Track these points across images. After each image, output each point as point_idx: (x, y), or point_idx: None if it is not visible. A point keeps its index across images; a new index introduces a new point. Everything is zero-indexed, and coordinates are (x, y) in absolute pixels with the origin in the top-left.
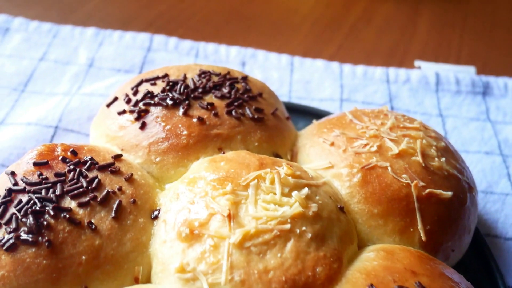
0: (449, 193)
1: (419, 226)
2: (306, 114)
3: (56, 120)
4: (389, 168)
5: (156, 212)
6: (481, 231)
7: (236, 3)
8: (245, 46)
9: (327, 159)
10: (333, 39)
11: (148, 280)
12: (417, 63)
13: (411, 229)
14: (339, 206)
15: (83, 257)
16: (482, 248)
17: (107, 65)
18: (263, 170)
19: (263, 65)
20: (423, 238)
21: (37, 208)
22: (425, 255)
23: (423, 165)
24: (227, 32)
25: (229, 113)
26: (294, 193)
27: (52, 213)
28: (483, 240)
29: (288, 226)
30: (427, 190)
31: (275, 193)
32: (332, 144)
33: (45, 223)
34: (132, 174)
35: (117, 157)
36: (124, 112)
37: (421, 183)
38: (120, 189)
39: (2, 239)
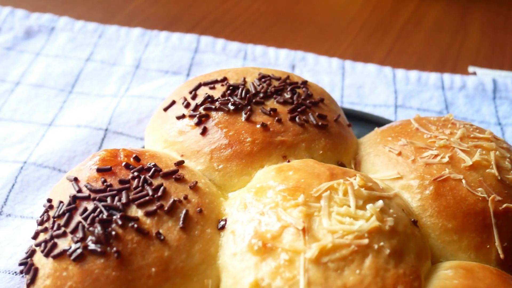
0: None
1: (497, 243)
2: (360, 120)
3: (105, 123)
4: (463, 181)
5: (222, 222)
6: None
7: (281, 4)
8: (292, 48)
9: (395, 169)
10: (382, 43)
11: None
12: (471, 69)
13: (488, 246)
14: (412, 220)
15: (153, 269)
16: None
17: (154, 66)
18: (335, 181)
19: (313, 68)
20: (501, 256)
21: (104, 216)
22: (505, 274)
23: (499, 178)
24: (273, 34)
25: (292, 119)
26: (369, 206)
27: (120, 222)
28: None
29: (366, 241)
30: (504, 205)
31: (349, 206)
32: (400, 153)
33: (113, 232)
34: (196, 182)
35: (180, 163)
36: (183, 116)
37: (498, 198)
38: (186, 197)
39: (69, 249)
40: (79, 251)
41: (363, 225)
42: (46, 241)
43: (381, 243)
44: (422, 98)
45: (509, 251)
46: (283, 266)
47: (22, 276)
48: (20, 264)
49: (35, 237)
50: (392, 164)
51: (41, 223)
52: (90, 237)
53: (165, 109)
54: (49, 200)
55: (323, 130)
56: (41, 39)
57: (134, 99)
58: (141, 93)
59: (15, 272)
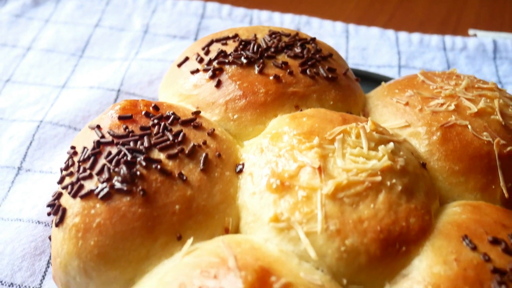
0: None
1: (501, 183)
2: (366, 79)
3: (118, 84)
4: (469, 126)
5: (240, 166)
6: None
7: None
8: (297, 13)
9: (402, 118)
10: (385, 7)
11: (236, 232)
12: (471, 31)
13: (493, 187)
14: (421, 162)
15: (177, 206)
16: None
17: (162, 32)
18: (348, 125)
19: (318, 32)
20: (506, 195)
21: (128, 158)
22: (510, 211)
23: (503, 123)
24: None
25: (303, 72)
26: (381, 147)
27: (143, 163)
28: None
29: (379, 178)
30: (509, 148)
31: (361, 147)
32: (407, 104)
33: (138, 173)
34: (214, 129)
35: (197, 113)
36: (197, 71)
37: (502, 141)
38: (204, 143)
39: (96, 189)
40: (106, 190)
41: (375, 164)
42: (72, 183)
43: (393, 181)
44: (425, 58)
45: None
46: (301, 202)
47: (45, 225)
48: (48, 206)
49: (60, 181)
50: (400, 114)
51: (66, 168)
52: (116, 178)
53: (179, 65)
54: (73, 147)
55: (333, 82)
56: (49, 6)
57: (144, 62)
58: (150, 57)
59: (38, 221)
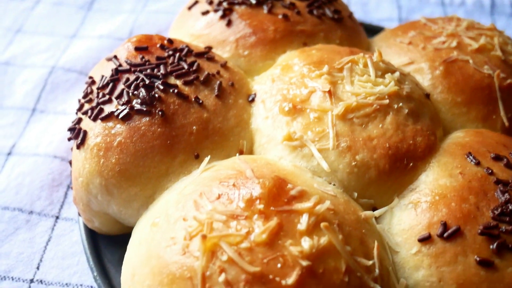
0: None
1: (502, 113)
2: (368, 31)
3: (127, 34)
4: (471, 61)
5: (252, 96)
6: None
7: None
8: None
9: (406, 56)
10: None
11: (251, 154)
12: None
13: (494, 116)
14: (425, 93)
15: (194, 127)
16: None
17: None
18: (355, 55)
19: None
20: (506, 124)
21: (146, 83)
22: (510, 137)
23: (503, 58)
24: None
25: (310, 12)
26: (388, 75)
27: (161, 87)
28: None
29: (386, 101)
30: (508, 81)
31: (369, 75)
32: (410, 43)
33: (156, 95)
34: (226, 62)
35: (209, 48)
36: (207, 12)
37: (502, 74)
38: (218, 72)
39: (116, 111)
40: (126, 111)
41: (383, 89)
42: (92, 108)
43: (400, 104)
44: (424, 13)
45: None
46: (312, 123)
47: (62, 160)
48: (69, 130)
49: (80, 108)
50: (404, 52)
51: (84, 96)
52: (135, 100)
53: (189, 8)
54: (90, 77)
55: (339, 23)
56: None
57: (152, 14)
58: (158, 9)
59: (55, 156)
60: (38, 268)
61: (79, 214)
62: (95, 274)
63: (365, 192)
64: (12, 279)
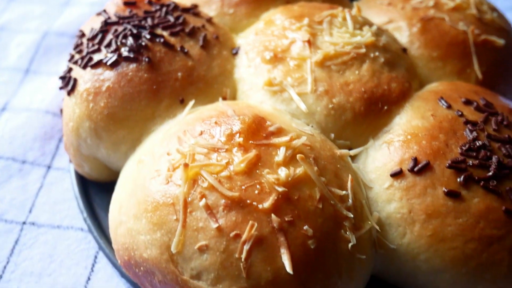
0: (502, 41)
1: (476, 66)
2: None
3: None
4: (447, 18)
5: (236, 49)
6: None
7: None
8: None
9: (386, 16)
10: None
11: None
12: None
13: (468, 70)
14: (402, 48)
15: (179, 73)
16: None
17: None
18: (334, 10)
19: None
20: (479, 77)
21: (134, 32)
22: (483, 88)
23: (478, 16)
24: None
25: None
26: (365, 27)
27: (148, 37)
28: None
29: (363, 50)
30: (483, 37)
31: (347, 27)
32: (390, 4)
33: (143, 43)
34: (212, 17)
35: (195, 5)
36: None
37: (477, 31)
38: (203, 26)
39: (105, 58)
40: (114, 58)
41: (360, 39)
42: (82, 57)
43: (376, 53)
44: None
45: (487, 75)
46: (292, 70)
47: (54, 115)
48: (60, 78)
49: (70, 59)
50: (383, 12)
51: (75, 47)
52: (123, 48)
53: None
54: (80, 31)
55: None
56: None
57: None
58: None
59: (47, 111)
60: (30, 211)
61: (70, 161)
62: (85, 215)
63: (342, 134)
64: (6, 221)
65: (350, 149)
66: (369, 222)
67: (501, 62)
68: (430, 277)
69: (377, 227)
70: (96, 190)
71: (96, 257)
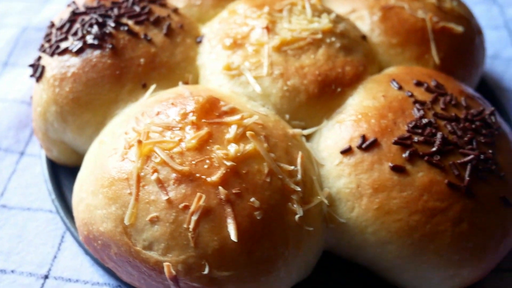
0: (460, 28)
1: (433, 52)
2: None
3: None
4: (406, 6)
5: (200, 37)
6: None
7: None
8: None
9: (349, 6)
10: None
11: None
12: None
13: (426, 56)
14: (361, 35)
15: (142, 59)
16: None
17: None
18: None
19: None
20: (437, 62)
21: (100, 21)
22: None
23: (437, 5)
24: None
25: None
26: (324, 15)
27: (113, 25)
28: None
29: (319, 36)
30: (441, 24)
31: (306, 15)
32: None
33: (107, 31)
34: (177, 8)
35: None
36: None
37: (435, 18)
38: (168, 16)
39: (71, 45)
40: (79, 45)
41: (317, 26)
42: (50, 46)
43: (333, 39)
44: None
45: (445, 61)
46: (250, 55)
47: (29, 105)
48: (30, 66)
49: (40, 48)
50: (347, 2)
51: (45, 37)
52: (88, 36)
53: None
54: (51, 22)
55: None
56: None
57: None
58: None
59: (22, 101)
60: (2, 195)
61: (41, 146)
62: (53, 197)
63: (297, 115)
64: None
65: (304, 129)
66: (318, 197)
67: (460, 48)
68: (378, 249)
69: (326, 202)
70: (65, 174)
71: (63, 237)
